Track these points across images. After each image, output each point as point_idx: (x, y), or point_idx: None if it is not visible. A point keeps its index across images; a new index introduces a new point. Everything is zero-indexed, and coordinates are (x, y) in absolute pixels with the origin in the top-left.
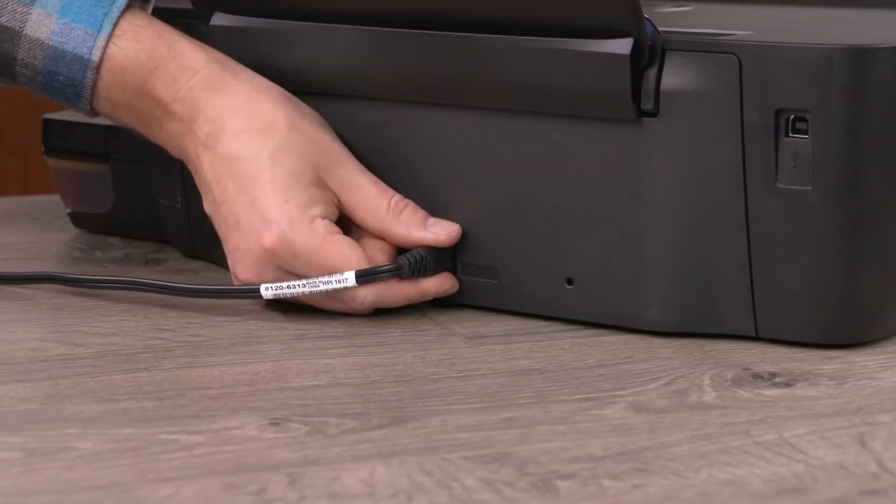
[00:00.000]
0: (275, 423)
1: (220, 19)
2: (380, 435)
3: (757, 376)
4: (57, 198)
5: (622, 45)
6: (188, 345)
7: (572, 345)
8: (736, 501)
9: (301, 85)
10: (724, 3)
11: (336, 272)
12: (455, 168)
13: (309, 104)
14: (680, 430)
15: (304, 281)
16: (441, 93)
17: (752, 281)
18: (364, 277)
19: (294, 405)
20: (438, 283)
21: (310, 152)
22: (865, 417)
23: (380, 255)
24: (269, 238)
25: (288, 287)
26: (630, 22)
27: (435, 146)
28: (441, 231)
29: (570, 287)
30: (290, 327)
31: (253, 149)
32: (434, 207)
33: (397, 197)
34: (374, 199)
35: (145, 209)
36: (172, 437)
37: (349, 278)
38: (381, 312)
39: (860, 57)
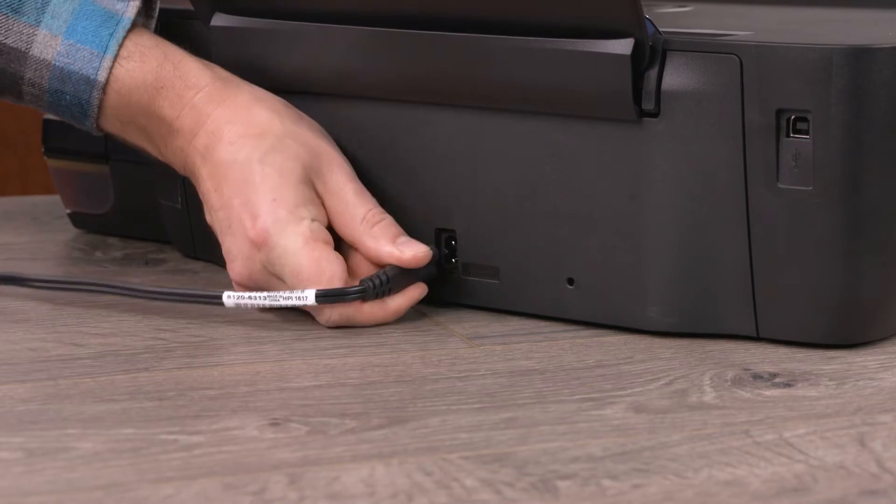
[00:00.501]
0: (275, 424)
1: (220, 20)
2: (380, 435)
3: (757, 376)
4: (57, 198)
5: (623, 46)
6: (188, 345)
7: (572, 345)
8: (736, 501)
9: (301, 85)
10: (725, 3)
11: (307, 281)
12: (455, 168)
13: (309, 104)
14: (680, 430)
15: (265, 293)
16: (441, 93)
17: (752, 281)
18: (324, 298)
19: (294, 405)
20: (406, 299)
21: (300, 154)
22: (865, 417)
23: (363, 266)
24: (253, 233)
25: (250, 298)
26: (631, 22)
27: (435, 146)
28: (407, 250)
29: (570, 287)
30: (290, 327)
31: (245, 153)
32: (434, 207)
33: (376, 209)
34: (351, 208)
35: (145, 209)
36: (172, 437)
37: (309, 297)
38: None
39: (861, 57)
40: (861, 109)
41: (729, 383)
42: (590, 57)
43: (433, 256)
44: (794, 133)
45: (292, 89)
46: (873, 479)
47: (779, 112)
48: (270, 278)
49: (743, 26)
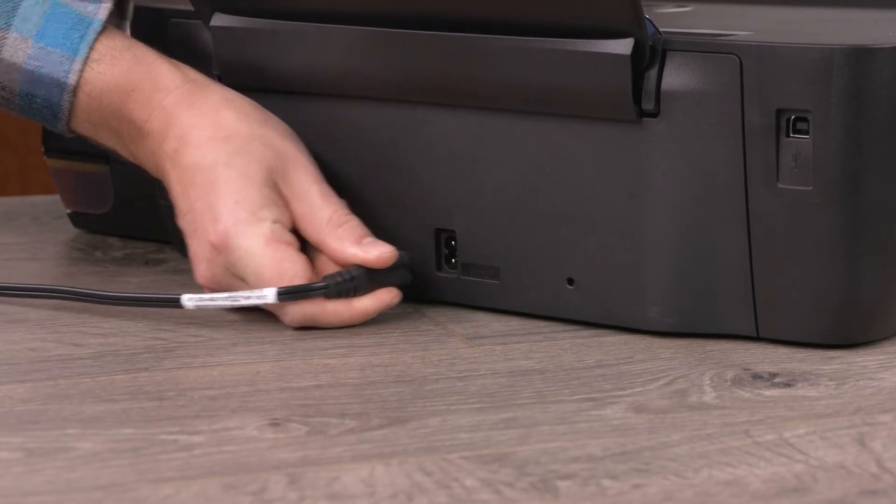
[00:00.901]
0: (275, 424)
1: (220, 20)
2: (380, 435)
3: (757, 376)
4: (57, 198)
5: (623, 46)
6: (188, 345)
7: (572, 345)
8: (736, 501)
9: (301, 85)
10: (724, 3)
11: (269, 281)
12: (455, 168)
13: (308, 104)
14: (680, 430)
15: (226, 294)
16: (441, 93)
17: (752, 281)
18: (286, 295)
19: (294, 405)
20: (375, 302)
21: (266, 156)
22: (865, 417)
23: (329, 269)
24: (214, 236)
25: (210, 299)
26: (631, 22)
27: (435, 146)
28: (372, 250)
29: (570, 287)
30: (290, 327)
31: (211, 157)
32: (434, 207)
33: (342, 211)
34: (317, 210)
35: (145, 209)
36: (172, 437)
37: (269, 295)
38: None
39: (861, 57)
40: (861, 109)
41: (729, 383)
42: (590, 57)
43: (401, 259)
44: (794, 133)
45: (292, 89)
46: (873, 479)
47: (779, 112)
48: (234, 280)
49: (743, 26)
